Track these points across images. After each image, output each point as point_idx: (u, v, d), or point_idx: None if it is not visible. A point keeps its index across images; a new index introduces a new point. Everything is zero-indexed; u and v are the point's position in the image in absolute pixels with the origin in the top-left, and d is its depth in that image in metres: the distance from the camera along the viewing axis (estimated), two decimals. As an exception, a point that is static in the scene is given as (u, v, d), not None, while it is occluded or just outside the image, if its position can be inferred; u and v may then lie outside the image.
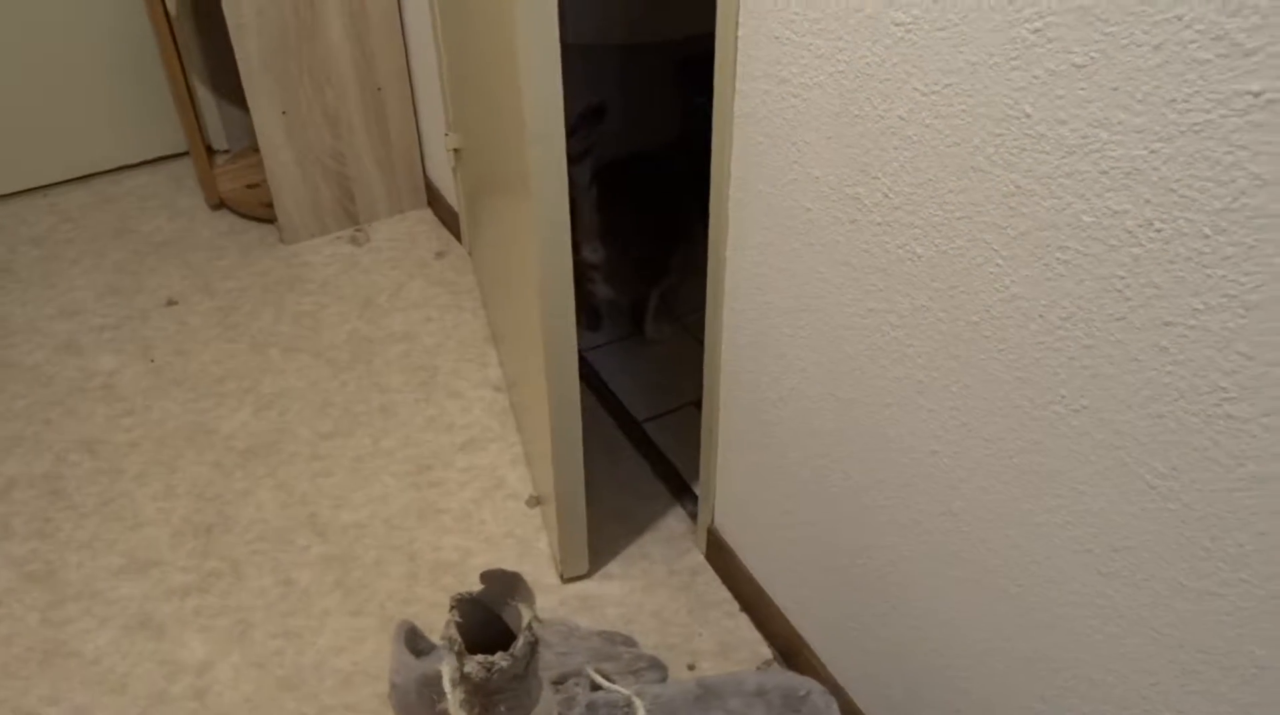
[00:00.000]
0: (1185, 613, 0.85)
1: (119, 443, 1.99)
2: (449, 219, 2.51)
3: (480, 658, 0.94)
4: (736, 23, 1.18)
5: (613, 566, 1.72)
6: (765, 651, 1.58)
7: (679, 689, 1.19)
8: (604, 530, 1.77)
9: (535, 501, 1.81)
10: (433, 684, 1.27)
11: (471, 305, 2.31)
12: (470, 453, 1.94)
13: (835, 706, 1.15)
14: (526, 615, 0.97)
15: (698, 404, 2.02)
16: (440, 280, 2.40)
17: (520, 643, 0.95)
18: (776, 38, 1.12)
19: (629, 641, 1.49)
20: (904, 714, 1.31)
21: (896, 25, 0.95)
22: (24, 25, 2.52)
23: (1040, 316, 0.90)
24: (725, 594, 1.66)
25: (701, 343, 2.15)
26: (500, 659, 0.94)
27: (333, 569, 1.73)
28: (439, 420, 2.02)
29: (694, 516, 1.79)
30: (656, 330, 2.20)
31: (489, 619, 1.00)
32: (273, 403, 2.07)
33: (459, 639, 0.94)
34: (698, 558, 1.72)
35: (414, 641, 1.39)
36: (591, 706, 1.15)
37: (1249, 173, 0.69)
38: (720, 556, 1.67)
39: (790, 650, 1.54)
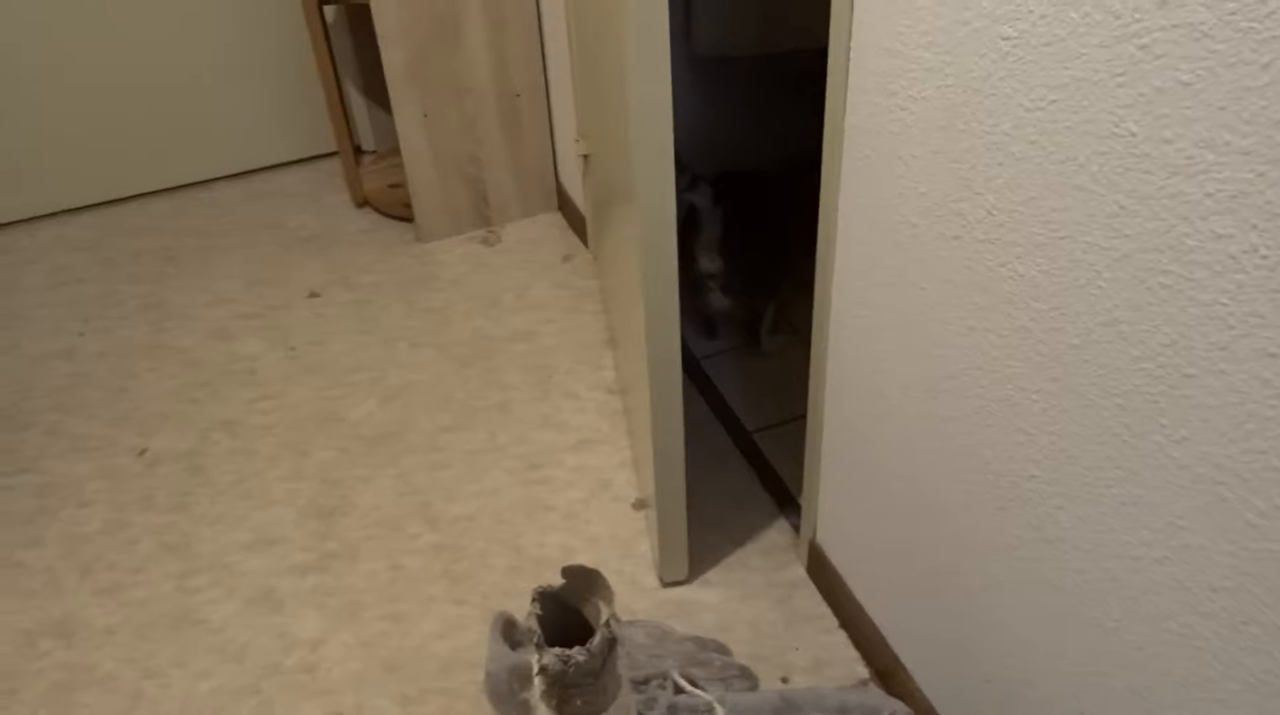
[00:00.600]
0: (1284, 661, 0.81)
1: (256, 425, 2.11)
2: (577, 223, 2.56)
3: (557, 651, 0.96)
4: (849, 33, 1.17)
5: (712, 574, 1.72)
6: (861, 670, 1.56)
7: (759, 699, 1.19)
8: (706, 537, 1.78)
9: (641, 505, 1.84)
10: (523, 674, 1.31)
11: (593, 308, 2.36)
12: (581, 453, 1.98)
13: (919, 731, 1.13)
14: (605, 612, 0.99)
15: (809, 417, 2.00)
16: (565, 283, 2.45)
17: (597, 639, 0.97)
18: (887, 49, 1.11)
19: (722, 649, 1.50)
20: (995, 745, 1.27)
21: (1003, 40, 0.93)
22: (193, 33, 2.70)
23: (1141, 342, 0.87)
24: (824, 609, 1.65)
25: (816, 356, 2.13)
26: (577, 653, 0.96)
27: (440, 558, 1.79)
28: (553, 419, 2.06)
29: (797, 530, 1.78)
30: (771, 342, 2.19)
31: (572, 613, 1.02)
32: (398, 394, 2.15)
33: (539, 630, 0.97)
34: (798, 571, 1.71)
35: (510, 633, 1.42)
36: (673, 709, 1.16)
37: (1358, 198, 0.65)
38: (821, 571, 1.66)
39: (886, 671, 1.52)
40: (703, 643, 1.50)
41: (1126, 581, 0.97)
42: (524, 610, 1.67)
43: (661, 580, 1.70)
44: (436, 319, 2.37)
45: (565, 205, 2.64)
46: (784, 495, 1.85)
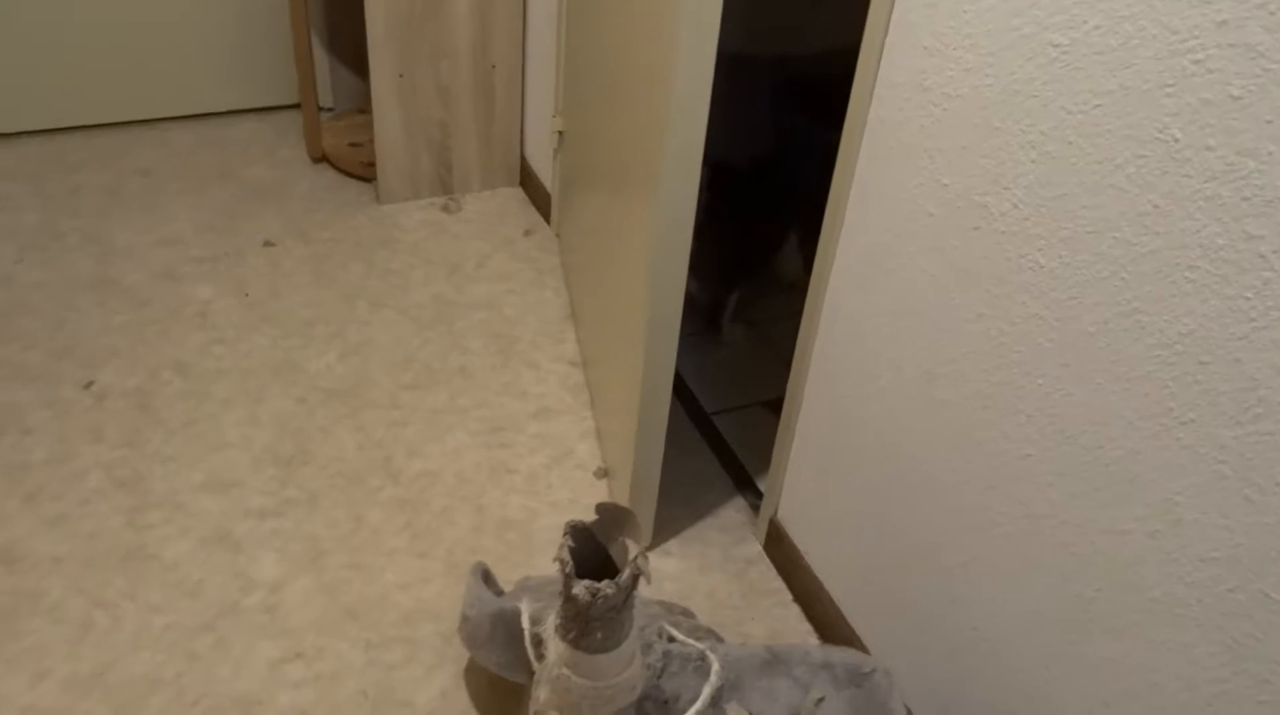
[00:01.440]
0: (1266, 624, 0.90)
1: (209, 369, 2.07)
2: (540, 199, 2.59)
3: (587, 583, 1.00)
4: (886, 30, 1.24)
5: (672, 545, 1.77)
6: (814, 642, 1.63)
7: (747, 652, 1.24)
8: (667, 511, 1.83)
9: (603, 473, 1.88)
10: (508, 620, 1.33)
11: (554, 284, 2.38)
12: (542, 421, 2.01)
13: (897, 688, 1.20)
14: (634, 549, 1.03)
15: (767, 404, 2.07)
16: (525, 257, 2.47)
17: (626, 574, 1.01)
18: (925, 48, 1.19)
19: (688, 614, 1.55)
20: (951, 710, 1.36)
21: (1053, 46, 1.01)
22: (161, -35, 2.63)
23: (1160, 331, 0.95)
24: (779, 584, 1.72)
25: (774, 348, 2.21)
26: (606, 586, 1.00)
27: (403, 512, 1.80)
28: (514, 386, 2.09)
29: (754, 508, 1.84)
30: (731, 331, 2.26)
31: (596, 551, 1.06)
32: (358, 350, 2.14)
33: (570, 561, 1.01)
34: (755, 548, 1.78)
35: (489, 581, 1.45)
36: (668, 655, 1.20)
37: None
38: (778, 548, 1.73)
39: (841, 642, 1.59)
40: (669, 606, 1.55)
41: (1113, 554, 1.06)
42: (497, 565, 1.69)
43: (625, 547, 1.74)
44: (396, 281, 2.36)
45: (528, 181, 2.66)
46: (741, 476, 1.92)
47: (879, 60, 1.27)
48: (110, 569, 1.66)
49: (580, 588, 1.00)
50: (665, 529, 1.80)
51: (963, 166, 1.16)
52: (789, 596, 1.70)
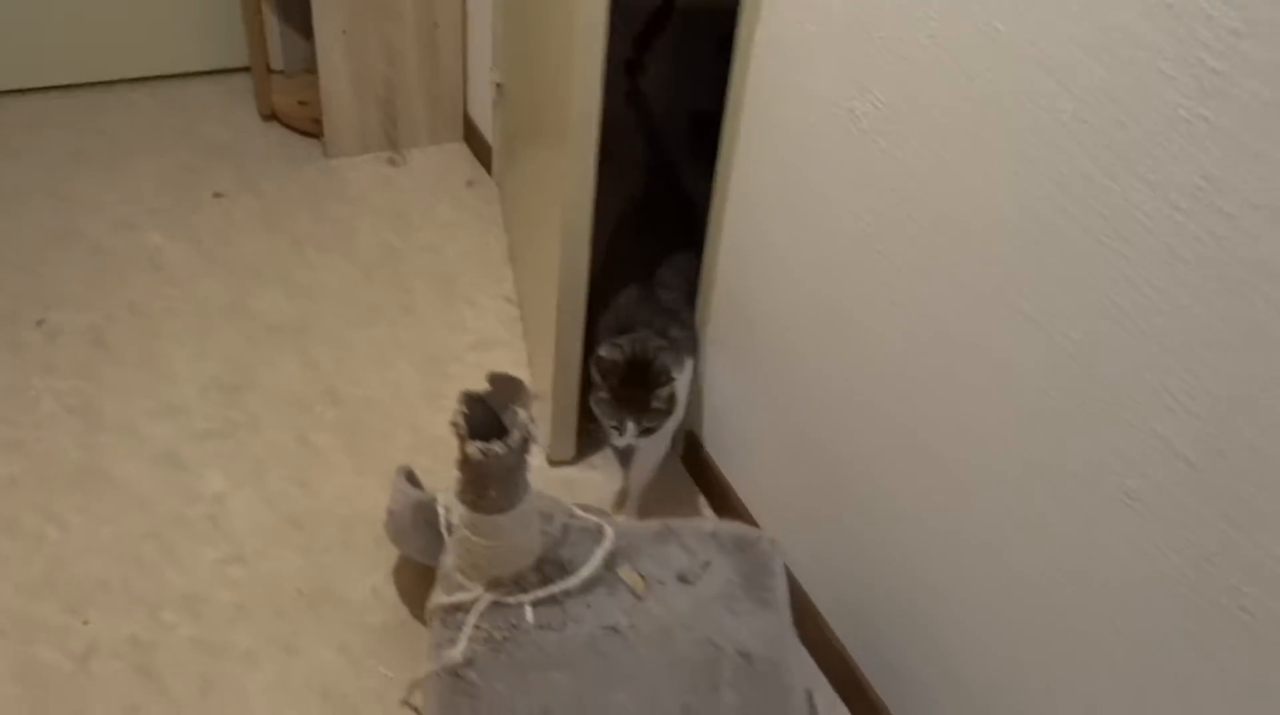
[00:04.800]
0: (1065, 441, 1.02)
1: (161, 309, 2.16)
2: (483, 154, 2.69)
3: (480, 443, 1.10)
4: (764, -44, 1.35)
5: (595, 458, 1.89)
6: (726, 545, 1.75)
7: (642, 525, 1.35)
8: (590, 431, 1.93)
9: (535, 396, 1.98)
10: (426, 510, 1.44)
11: (495, 231, 2.49)
12: (480, 352, 2.11)
13: (780, 556, 1.32)
14: (523, 414, 1.14)
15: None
16: (468, 206, 2.58)
17: (515, 435, 1.12)
18: (796, -32, 1.30)
19: (603, 513, 1.66)
20: (854, 602, 1.48)
21: (893, -46, 1.12)
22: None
23: (995, 210, 1.07)
24: (695, 491, 1.83)
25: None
26: (496, 446, 1.10)
27: (344, 434, 1.90)
28: (454, 322, 2.19)
29: (676, 428, 1.96)
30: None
31: (490, 420, 1.16)
32: (304, 291, 2.24)
33: (463, 425, 1.11)
34: (674, 462, 1.89)
35: (412, 480, 1.56)
36: (567, 527, 1.31)
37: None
38: (696, 460, 1.84)
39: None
40: (586, 506, 1.66)
41: (969, 413, 1.17)
42: (430, 478, 1.80)
43: (550, 459, 1.86)
44: (343, 229, 2.46)
45: (472, 136, 2.76)
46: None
47: (759, -16, 1.38)
48: (62, 488, 1.75)
49: (473, 448, 1.10)
50: (590, 446, 1.91)
51: (834, 76, 1.27)
52: (704, 501, 1.81)
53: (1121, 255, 0.93)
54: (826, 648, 1.52)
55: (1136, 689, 1.00)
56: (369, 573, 1.65)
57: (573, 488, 1.82)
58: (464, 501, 1.17)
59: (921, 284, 1.19)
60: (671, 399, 1.49)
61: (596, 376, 1.41)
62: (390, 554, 1.67)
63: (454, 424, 1.12)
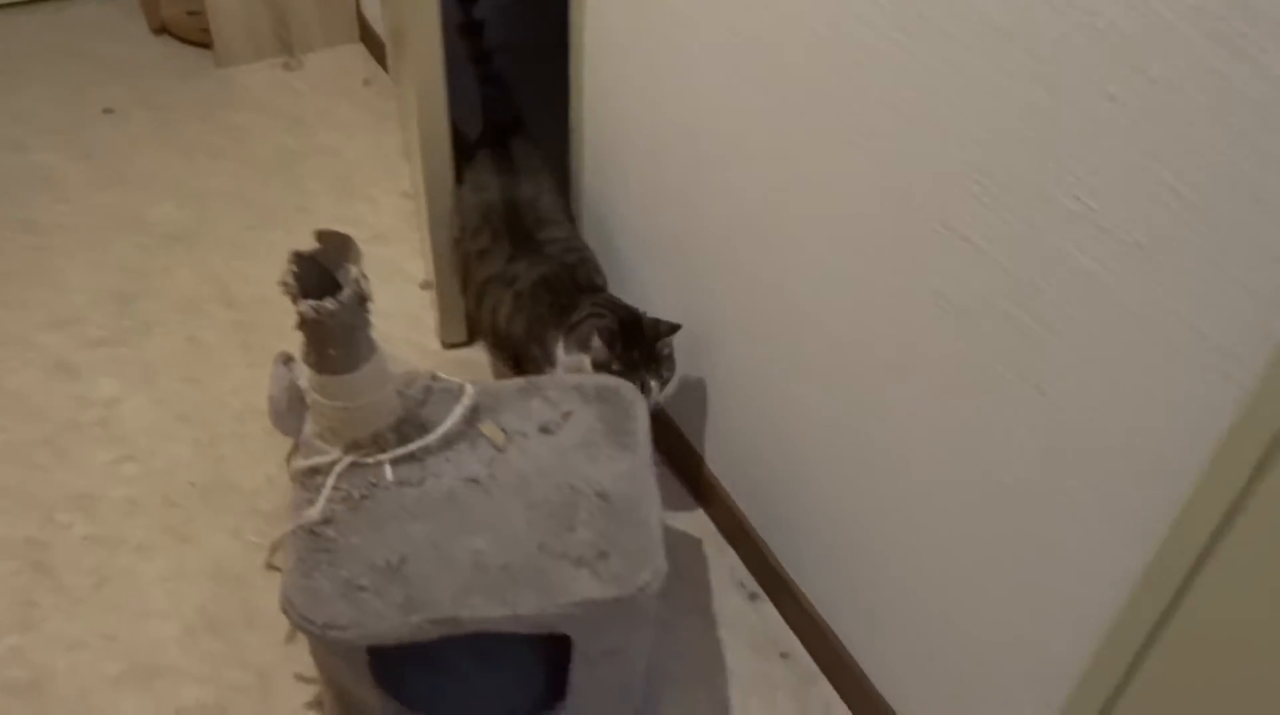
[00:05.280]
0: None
1: (52, 224, 2.14)
2: (379, 52, 2.64)
3: (312, 301, 1.11)
4: None
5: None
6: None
7: (507, 383, 1.37)
8: (489, 312, 1.94)
9: (427, 285, 1.98)
10: (295, 390, 1.44)
11: (392, 129, 2.46)
12: (377, 245, 2.10)
13: (643, 405, 1.33)
14: (355, 270, 1.14)
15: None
16: (366, 105, 2.54)
17: (346, 292, 1.12)
18: None
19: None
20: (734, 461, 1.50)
21: None
22: None
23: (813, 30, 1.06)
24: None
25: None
26: (328, 302, 1.11)
27: (239, 332, 1.90)
28: (352, 218, 2.18)
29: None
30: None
31: (325, 280, 1.16)
32: (199, 199, 2.22)
33: (294, 284, 1.11)
34: (570, 337, 1.90)
35: (289, 365, 1.56)
36: (429, 389, 1.33)
37: None
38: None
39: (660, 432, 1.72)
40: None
41: (798, 210, 1.18)
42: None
43: (443, 343, 1.86)
44: (238, 135, 2.42)
45: (367, 36, 2.70)
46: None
47: None
48: (-47, 401, 1.76)
49: (305, 306, 1.11)
50: (486, 327, 1.91)
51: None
52: (598, 374, 1.83)
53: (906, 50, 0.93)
54: (711, 495, 1.55)
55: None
56: (261, 461, 1.67)
57: (467, 368, 1.83)
58: (308, 363, 1.18)
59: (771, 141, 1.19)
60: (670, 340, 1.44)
61: (603, 354, 1.38)
62: (283, 442, 1.68)
63: (283, 283, 1.12)
